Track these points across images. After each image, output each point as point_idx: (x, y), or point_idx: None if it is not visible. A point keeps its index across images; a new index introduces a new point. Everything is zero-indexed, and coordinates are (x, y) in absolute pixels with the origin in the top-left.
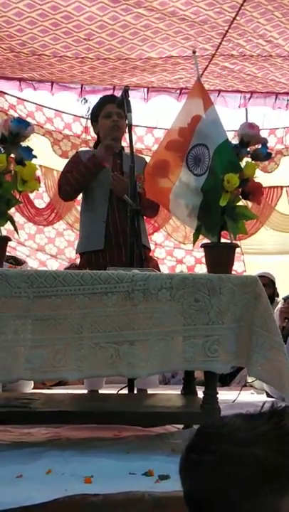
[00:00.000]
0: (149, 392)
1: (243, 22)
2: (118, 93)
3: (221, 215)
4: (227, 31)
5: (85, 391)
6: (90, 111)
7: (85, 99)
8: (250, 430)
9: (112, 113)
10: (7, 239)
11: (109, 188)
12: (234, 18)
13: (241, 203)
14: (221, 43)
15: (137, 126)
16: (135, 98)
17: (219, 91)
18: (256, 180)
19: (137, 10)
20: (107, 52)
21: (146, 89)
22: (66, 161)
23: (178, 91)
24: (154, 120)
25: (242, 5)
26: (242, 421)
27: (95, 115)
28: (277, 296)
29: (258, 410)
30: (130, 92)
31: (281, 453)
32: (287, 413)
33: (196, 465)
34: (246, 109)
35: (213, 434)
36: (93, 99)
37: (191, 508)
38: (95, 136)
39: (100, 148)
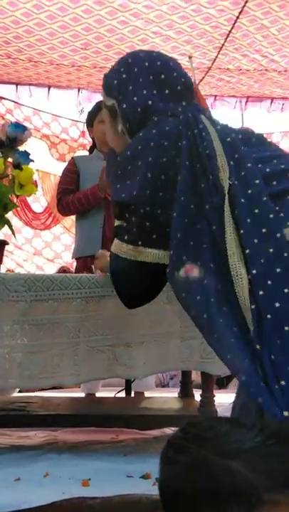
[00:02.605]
0: (146, 395)
1: (239, 36)
2: None
3: None
4: (223, 44)
5: (82, 394)
6: (86, 116)
7: (82, 110)
8: (235, 442)
9: None
10: (4, 243)
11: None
12: (230, 31)
13: None
14: (217, 56)
15: None
16: None
17: (215, 96)
18: None
19: (133, 23)
20: (104, 62)
21: None
22: (63, 164)
23: None
24: None
25: (238, 17)
26: (231, 428)
27: (91, 120)
28: None
29: (252, 419)
30: None
31: (260, 473)
32: (282, 430)
33: (172, 462)
34: (242, 114)
35: (196, 436)
36: (90, 107)
37: (161, 497)
38: (91, 140)
39: (101, 182)
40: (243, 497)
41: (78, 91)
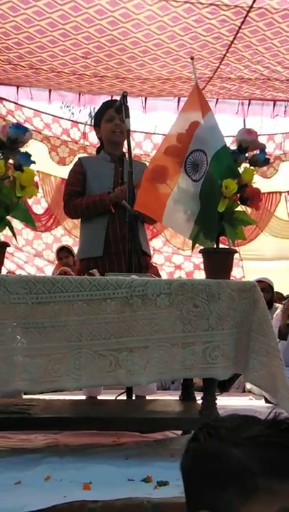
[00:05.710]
0: (148, 398)
1: (240, 47)
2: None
3: (220, 221)
4: (225, 55)
5: (84, 397)
6: (93, 116)
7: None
8: (242, 432)
9: (114, 117)
10: (5, 244)
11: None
12: (232, 42)
13: (240, 208)
14: (218, 67)
15: (136, 131)
16: (134, 105)
17: (217, 99)
18: (255, 185)
19: (134, 35)
20: (104, 71)
21: (144, 98)
22: (63, 168)
23: (176, 97)
24: (152, 126)
25: (240, 27)
26: (243, 423)
27: (98, 120)
28: (276, 301)
29: (267, 417)
30: (129, 99)
31: (259, 461)
32: (283, 420)
33: (186, 450)
34: (244, 119)
35: (208, 426)
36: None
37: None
38: (93, 141)
39: (118, 190)
40: (240, 481)
41: (79, 95)
